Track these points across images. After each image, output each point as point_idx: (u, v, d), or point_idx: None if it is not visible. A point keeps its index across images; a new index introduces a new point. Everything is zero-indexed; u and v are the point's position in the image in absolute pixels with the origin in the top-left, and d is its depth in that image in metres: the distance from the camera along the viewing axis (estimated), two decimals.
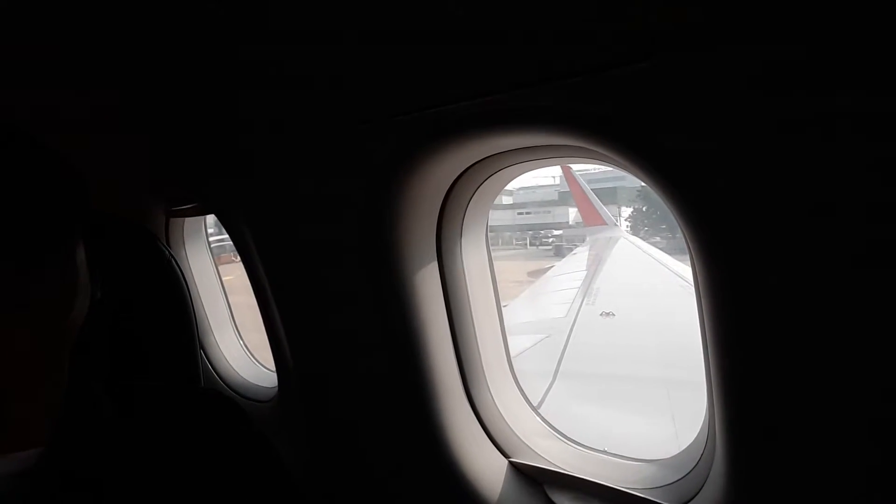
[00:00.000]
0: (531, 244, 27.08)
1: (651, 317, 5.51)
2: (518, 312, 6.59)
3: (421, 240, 0.91)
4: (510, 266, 17.67)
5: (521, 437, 1.02)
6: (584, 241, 14.14)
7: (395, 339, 0.94)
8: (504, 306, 1.10)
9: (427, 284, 0.93)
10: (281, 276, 1.17)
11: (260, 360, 1.71)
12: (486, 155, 0.84)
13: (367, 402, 1.07)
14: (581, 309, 6.16)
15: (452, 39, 0.63)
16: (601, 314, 5.84)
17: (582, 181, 14.66)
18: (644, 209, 22.56)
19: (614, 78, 0.56)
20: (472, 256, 0.99)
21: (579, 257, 11.10)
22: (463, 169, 0.88)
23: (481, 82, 0.67)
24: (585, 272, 8.55)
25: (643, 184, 0.66)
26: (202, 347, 1.68)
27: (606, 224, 14.03)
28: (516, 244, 27.96)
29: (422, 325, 0.93)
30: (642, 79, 0.54)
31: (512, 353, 1.10)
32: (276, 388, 1.37)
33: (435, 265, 0.94)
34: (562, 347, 4.80)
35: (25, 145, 0.54)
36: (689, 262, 0.68)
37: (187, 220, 1.60)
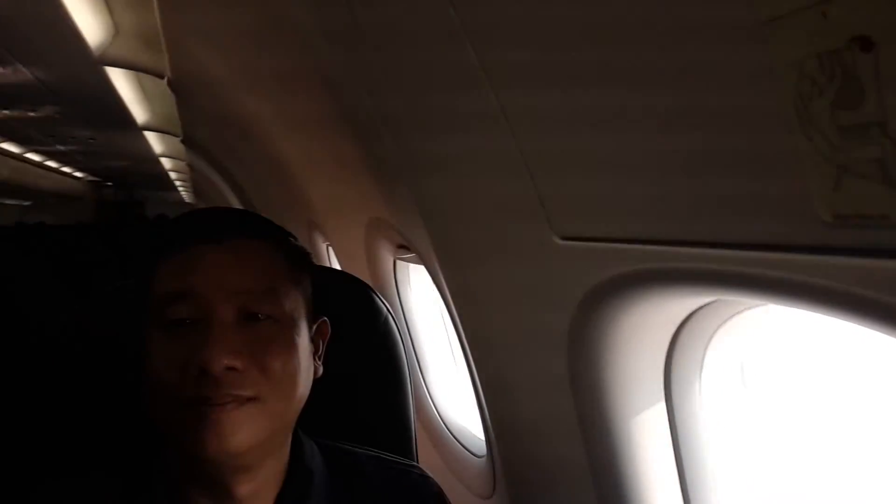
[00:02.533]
0: None
1: None
2: None
3: (640, 374, 0.79)
4: None
5: None
6: None
7: (603, 473, 0.83)
8: None
9: (646, 424, 0.81)
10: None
11: None
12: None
13: None
14: None
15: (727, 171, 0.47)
16: None
17: None
18: None
19: None
20: (717, 399, 0.85)
21: None
22: (704, 303, 0.72)
23: (752, 230, 0.47)
24: None
25: None
26: (427, 390, 1.61)
27: None
28: None
29: (633, 462, 0.81)
30: None
31: None
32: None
33: (661, 405, 0.81)
34: None
35: (288, 237, 0.60)
36: None
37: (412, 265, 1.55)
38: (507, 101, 0.68)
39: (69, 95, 3.32)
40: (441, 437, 1.54)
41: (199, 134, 3.58)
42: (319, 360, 0.61)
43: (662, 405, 0.80)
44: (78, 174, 9.10)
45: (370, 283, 1.80)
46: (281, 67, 1.48)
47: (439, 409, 1.59)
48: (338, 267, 2.21)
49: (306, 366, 0.56)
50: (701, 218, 0.51)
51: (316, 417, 0.60)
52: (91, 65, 2.52)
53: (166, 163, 6.71)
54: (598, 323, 0.75)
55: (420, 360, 1.67)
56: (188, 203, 10.71)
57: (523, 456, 1.04)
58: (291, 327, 0.55)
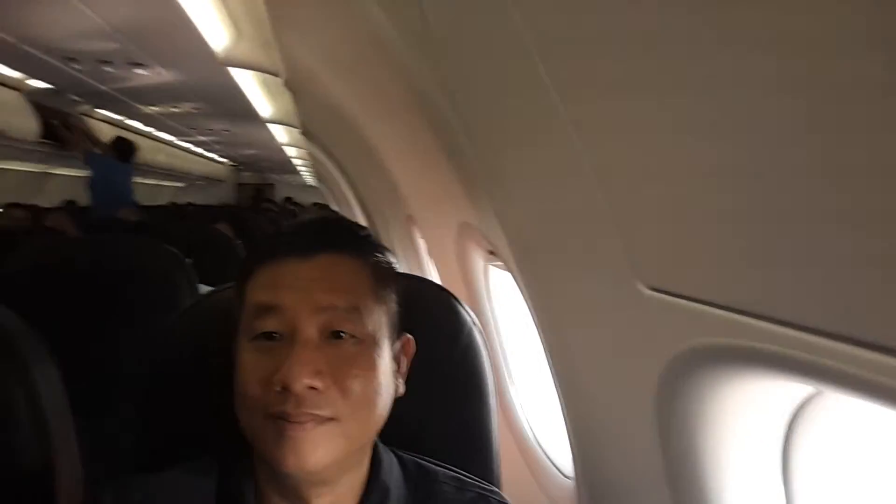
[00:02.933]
0: None
1: None
2: None
3: (747, 455, 0.68)
4: None
5: None
6: None
7: None
8: None
9: None
10: None
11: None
12: None
13: None
14: None
15: None
16: None
17: None
18: None
19: None
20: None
21: None
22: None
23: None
24: None
25: None
26: (516, 402, 1.55)
27: None
28: None
29: None
30: None
31: None
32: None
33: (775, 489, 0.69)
34: None
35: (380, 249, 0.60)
36: None
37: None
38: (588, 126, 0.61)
39: (202, 93, 3.65)
40: (531, 454, 1.47)
41: (315, 127, 3.77)
42: (402, 377, 0.60)
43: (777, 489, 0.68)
44: (220, 159, 10.05)
45: (462, 286, 1.75)
46: (377, 77, 1.51)
47: (531, 425, 1.52)
48: (432, 263, 2.22)
49: (387, 385, 0.56)
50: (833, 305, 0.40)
51: (394, 429, 0.60)
52: (217, 66, 2.71)
53: (289, 151, 7.17)
54: (692, 388, 0.65)
55: (510, 370, 1.60)
56: (311, 185, 11.40)
57: (608, 495, 0.97)
58: (373, 347, 0.55)
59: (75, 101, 3.99)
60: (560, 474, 1.30)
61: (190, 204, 8.30)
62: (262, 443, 0.52)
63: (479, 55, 0.83)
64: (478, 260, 1.66)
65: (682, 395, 0.66)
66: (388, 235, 2.93)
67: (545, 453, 1.42)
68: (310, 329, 0.52)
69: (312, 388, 0.50)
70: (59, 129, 4.13)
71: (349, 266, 0.56)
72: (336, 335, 0.53)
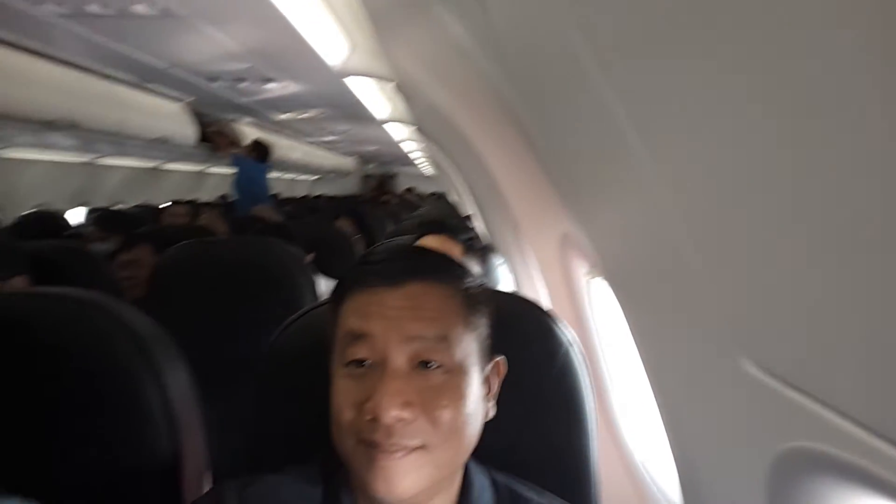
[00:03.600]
0: None
1: None
2: None
3: None
4: None
5: None
6: None
7: None
8: None
9: None
10: None
11: None
12: None
13: None
14: None
15: None
16: None
17: None
18: None
19: None
20: None
21: None
22: None
23: None
24: None
25: None
26: (619, 424, 1.49)
27: None
28: None
29: None
30: None
31: None
32: None
33: None
34: None
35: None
36: None
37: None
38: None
39: (324, 100, 3.95)
40: (637, 480, 1.38)
41: (427, 126, 3.91)
42: (493, 399, 0.60)
43: None
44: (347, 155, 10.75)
45: (567, 300, 1.62)
46: (469, 88, 1.55)
47: (637, 446, 1.42)
48: (538, 273, 2.20)
49: (476, 412, 0.56)
50: None
51: (486, 450, 0.59)
52: (334, 77, 2.94)
53: (407, 145, 7.46)
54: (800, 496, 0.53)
55: (612, 390, 1.50)
56: (430, 176, 11.74)
57: None
58: (462, 376, 0.55)
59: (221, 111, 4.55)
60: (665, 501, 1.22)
61: (320, 196, 9.00)
62: (355, 466, 0.54)
63: (552, 85, 0.82)
64: (581, 273, 1.60)
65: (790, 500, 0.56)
66: (500, 237, 2.97)
67: (652, 480, 1.34)
68: (399, 359, 0.53)
69: (402, 418, 0.51)
70: (212, 134, 4.72)
71: (438, 293, 0.56)
72: (425, 364, 0.53)
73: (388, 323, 0.54)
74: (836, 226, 0.36)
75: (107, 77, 3.21)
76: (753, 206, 0.45)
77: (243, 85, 3.36)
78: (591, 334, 1.61)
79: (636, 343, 0.97)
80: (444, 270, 0.58)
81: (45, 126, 2.89)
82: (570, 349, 0.73)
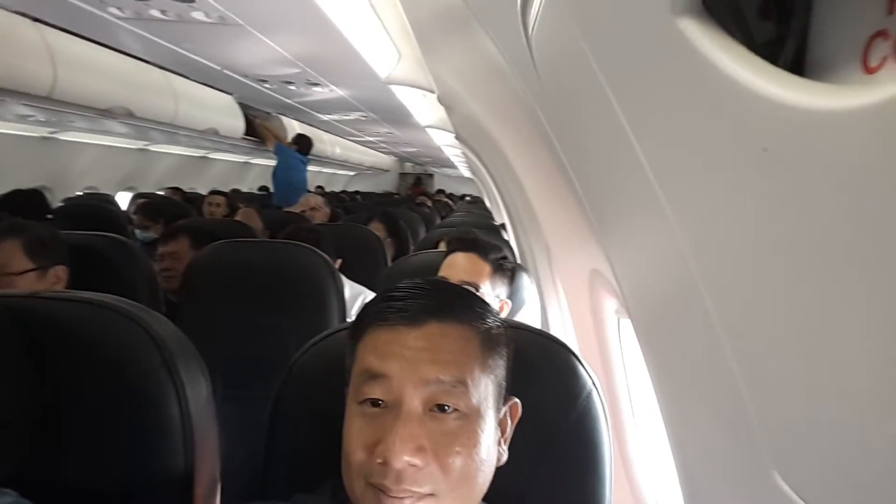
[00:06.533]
0: None
1: None
2: None
3: None
4: None
5: None
6: None
7: None
8: None
9: None
10: None
11: None
12: None
13: None
14: None
15: None
16: None
17: None
18: None
19: None
20: None
21: None
22: None
23: None
24: None
25: None
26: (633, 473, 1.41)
27: None
28: None
29: None
30: None
31: None
32: None
33: None
34: None
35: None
36: None
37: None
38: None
39: (368, 105, 4.02)
40: None
41: (466, 134, 3.93)
42: (506, 443, 0.59)
43: None
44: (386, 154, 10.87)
45: (593, 336, 1.58)
46: (514, 117, 1.55)
47: (657, 494, 1.35)
48: (565, 302, 2.13)
49: (489, 458, 0.55)
50: None
51: (495, 495, 0.57)
52: (380, 84, 2.99)
53: (446, 150, 7.50)
54: None
55: (632, 436, 1.43)
56: (467, 177, 11.76)
57: None
58: (477, 421, 0.53)
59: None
60: None
61: (357, 193, 9.11)
62: None
63: (582, 125, 0.80)
64: (610, 311, 1.55)
65: None
66: (529, 256, 2.91)
67: None
68: (414, 402, 0.52)
69: (413, 465, 0.50)
70: (259, 127, 4.85)
71: (458, 334, 0.55)
72: (440, 408, 0.53)
73: (406, 364, 0.53)
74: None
75: (162, 68, 3.34)
76: (788, 283, 0.37)
77: (291, 88, 3.45)
78: (615, 377, 1.55)
79: (657, 397, 0.93)
80: (466, 310, 0.57)
81: (101, 113, 3.01)
82: (593, 392, 0.70)
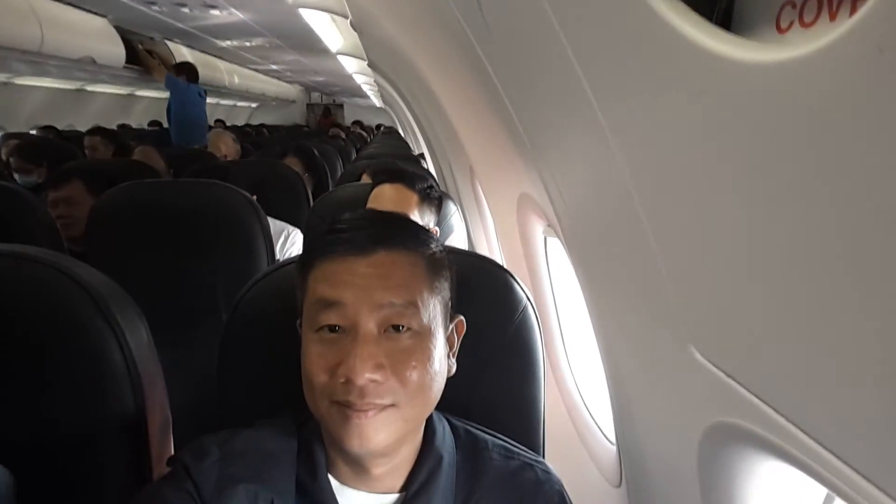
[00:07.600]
0: None
1: None
2: None
3: None
4: None
5: None
6: None
7: None
8: None
9: None
10: None
11: None
12: None
13: None
14: None
15: None
16: None
17: None
18: None
19: None
20: None
21: None
22: None
23: None
24: None
25: None
26: (570, 368, 1.53)
27: None
28: None
29: None
30: None
31: None
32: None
33: None
34: None
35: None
36: None
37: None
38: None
39: (274, 30, 3.73)
40: (581, 421, 1.47)
41: (380, 62, 3.78)
42: (454, 356, 0.64)
43: None
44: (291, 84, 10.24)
45: (523, 257, 1.63)
46: (436, 39, 1.49)
47: (580, 391, 1.51)
48: (491, 223, 2.16)
49: (441, 370, 0.60)
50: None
51: (446, 402, 0.61)
52: (288, 7, 2.77)
53: (358, 78, 7.20)
54: (726, 463, 0.60)
55: (565, 342, 1.56)
56: (379, 107, 11.44)
57: (644, 477, 0.92)
58: (429, 338, 0.58)
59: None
60: (608, 442, 1.29)
61: (263, 126, 8.57)
62: (329, 425, 0.57)
63: (522, 49, 0.81)
64: (537, 231, 1.61)
65: (718, 467, 0.62)
66: (452, 182, 2.88)
67: (594, 421, 1.41)
68: (369, 325, 0.56)
69: (374, 380, 0.54)
70: (143, 55, 4.36)
71: (406, 261, 0.58)
72: (395, 329, 0.56)
73: (359, 291, 0.56)
74: (784, 243, 0.39)
75: None
76: (709, 198, 0.47)
77: (184, 11, 3.11)
78: (543, 290, 1.65)
79: (587, 303, 1.02)
80: (411, 238, 0.61)
81: None
82: (528, 307, 0.76)
